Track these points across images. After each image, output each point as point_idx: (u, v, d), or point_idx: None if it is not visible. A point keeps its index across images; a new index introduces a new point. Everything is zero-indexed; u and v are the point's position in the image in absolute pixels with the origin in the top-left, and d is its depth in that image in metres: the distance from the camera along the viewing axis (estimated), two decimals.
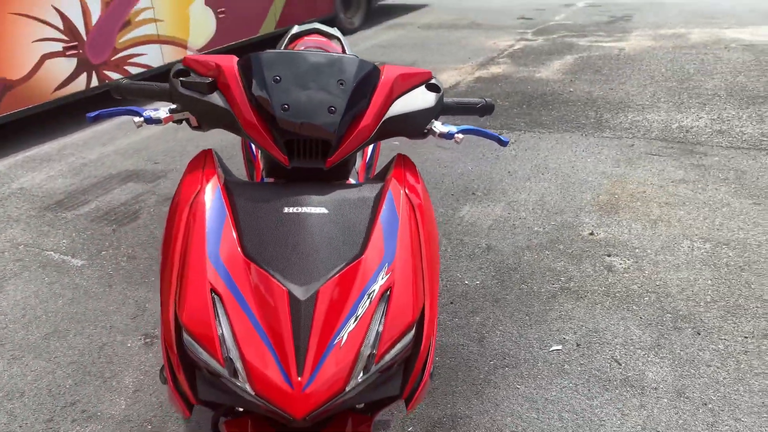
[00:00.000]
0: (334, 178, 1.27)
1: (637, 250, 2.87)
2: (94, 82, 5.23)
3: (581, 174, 3.71)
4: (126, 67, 5.50)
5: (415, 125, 1.29)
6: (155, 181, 3.97)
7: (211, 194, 1.13)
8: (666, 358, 2.19)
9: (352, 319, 1.00)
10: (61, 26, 4.87)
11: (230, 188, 1.16)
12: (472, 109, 1.37)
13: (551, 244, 2.95)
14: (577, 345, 2.28)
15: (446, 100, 1.35)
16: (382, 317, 1.02)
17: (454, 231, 3.13)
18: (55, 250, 3.16)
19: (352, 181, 1.51)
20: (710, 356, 2.18)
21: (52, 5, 4.76)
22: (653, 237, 2.97)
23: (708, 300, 2.48)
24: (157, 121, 1.22)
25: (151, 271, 2.92)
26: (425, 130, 1.32)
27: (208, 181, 1.15)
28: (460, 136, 1.28)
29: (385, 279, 1.05)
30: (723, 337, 2.27)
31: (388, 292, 1.04)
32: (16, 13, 4.53)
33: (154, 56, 5.77)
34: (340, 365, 0.97)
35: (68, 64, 4.98)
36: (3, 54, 4.49)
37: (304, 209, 1.11)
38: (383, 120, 1.24)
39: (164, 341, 1.08)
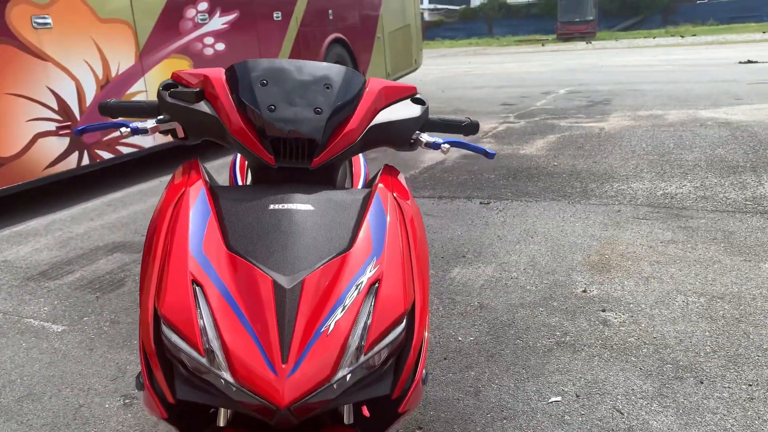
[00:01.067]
0: (320, 183, 1.25)
1: (631, 305, 2.82)
2: (86, 161, 5.29)
3: (570, 237, 3.72)
4: (118, 147, 5.58)
5: (401, 134, 1.30)
6: (141, 251, 3.92)
7: (195, 194, 1.11)
8: (669, 407, 2.10)
9: (340, 309, 0.96)
10: (55, 106, 4.98)
11: (215, 191, 1.15)
12: (457, 127, 1.38)
13: (545, 302, 2.91)
14: (577, 396, 2.19)
15: (431, 117, 1.37)
16: (370, 309, 0.98)
17: (446, 291, 3.08)
18: (35, 317, 3.06)
19: None
20: (715, 404, 2.10)
21: (47, 86, 4.89)
22: (647, 292, 2.94)
23: (708, 350, 2.42)
24: (144, 131, 1.22)
25: (134, 335, 2.82)
26: (412, 140, 1.32)
27: (192, 184, 1.14)
28: (447, 146, 1.29)
29: (373, 271, 1.02)
30: (727, 386, 2.20)
31: (377, 285, 1.01)
32: (12, 93, 4.64)
33: (146, 137, 5.87)
34: (327, 353, 0.92)
35: (60, 143, 5.06)
36: None
37: (290, 206, 1.09)
38: (369, 126, 1.25)
39: (142, 338, 1.02)
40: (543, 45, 29.30)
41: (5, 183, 4.66)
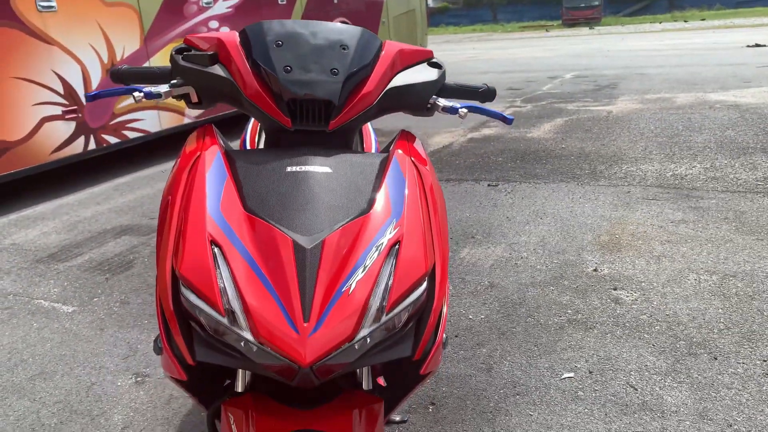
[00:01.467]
0: (336, 147, 1.23)
1: (643, 284, 2.80)
2: (92, 146, 5.28)
3: (580, 218, 3.69)
4: (124, 132, 5.57)
5: (418, 98, 1.28)
6: (150, 234, 3.92)
7: (210, 158, 1.09)
8: (684, 382, 2.09)
9: (360, 269, 0.95)
10: (61, 90, 4.96)
11: (231, 155, 1.13)
12: (474, 93, 1.36)
13: (555, 281, 2.89)
14: (590, 372, 2.18)
15: (447, 82, 1.35)
16: (391, 270, 0.97)
17: (455, 271, 3.07)
18: (46, 299, 3.06)
19: None
20: (730, 380, 2.09)
21: (52, 70, 4.87)
22: (658, 271, 2.92)
23: (721, 327, 2.41)
24: (158, 96, 1.20)
25: (144, 315, 2.82)
26: (429, 105, 1.30)
27: (208, 147, 1.12)
28: (464, 110, 1.27)
29: (393, 233, 1.00)
30: (741, 361, 2.18)
31: (397, 246, 0.99)
32: (17, 77, 4.62)
33: (152, 122, 5.86)
34: (349, 312, 0.91)
35: (66, 128, 5.05)
36: (2, 116, 4.54)
37: (308, 167, 1.07)
38: (386, 90, 1.23)
39: (159, 300, 1.01)
40: (547, 30, 29.08)
41: (12, 167, 4.65)
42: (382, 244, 0.98)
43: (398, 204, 1.04)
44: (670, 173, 4.48)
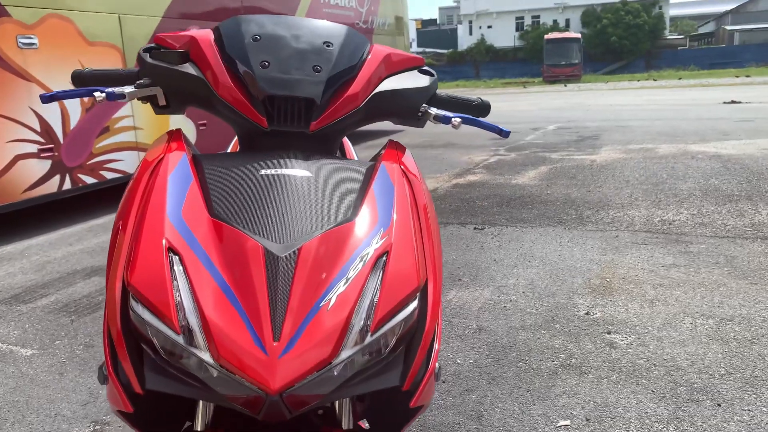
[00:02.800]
0: (317, 152, 1.11)
1: (637, 327, 2.68)
2: (67, 185, 5.13)
3: (569, 261, 3.59)
4: (101, 172, 5.43)
5: (408, 105, 1.17)
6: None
7: (175, 159, 0.97)
8: (687, 430, 1.95)
9: (342, 281, 0.81)
10: (38, 128, 4.85)
11: (198, 158, 1.01)
12: (467, 106, 1.26)
13: (546, 324, 2.76)
14: (587, 420, 2.03)
15: (439, 92, 1.25)
16: (377, 284, 0.84)
17: (442, 314, 2.92)
18: (3, 341, 2.86)
19: None
20: (737, 427, 1.95)
21: (30, 107, 4.76)
22: (653, 315, 2.80)
23: (722, 372, 2.28)
24: (120, 97, 1.08)
25: None
26: (420, 113, 1.20)
27: (173, 149, 1.00)
28: (458, 120, 1.16)
29: (380, 243, 0.88)
30: (746, 408, 2.05)
31: (385, 258, 0.87)
32: None
33: (131, 163, 5.74)
34: (327, 330, 0.78)
35: (42, 166, 4.91)
36: None
37: (285, 171, 0.95)
38: (374, 93, 1.12)
39: (107, 320, 0.87)
40: (525, 87, 29.72)
41: None
42: (368, 254, 0.86)
43: (386, 212, 0.92)
44: (658, 219, 4.42)
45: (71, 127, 5.11)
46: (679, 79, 27.81)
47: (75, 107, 5.14)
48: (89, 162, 5.30)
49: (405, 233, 0.91)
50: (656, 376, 2.27)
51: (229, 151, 1.86)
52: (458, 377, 2.35)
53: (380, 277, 0.85)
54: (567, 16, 48.15)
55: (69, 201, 5.96)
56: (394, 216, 0.92)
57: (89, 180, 5.32)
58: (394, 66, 1.17)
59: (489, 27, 50.88)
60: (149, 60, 1.10)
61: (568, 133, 9.89)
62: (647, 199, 5.02)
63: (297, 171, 0.95)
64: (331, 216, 0.89)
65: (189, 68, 1.08)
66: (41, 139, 4.87)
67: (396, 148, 1.13)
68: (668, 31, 45.89)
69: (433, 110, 1.19)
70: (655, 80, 27.92)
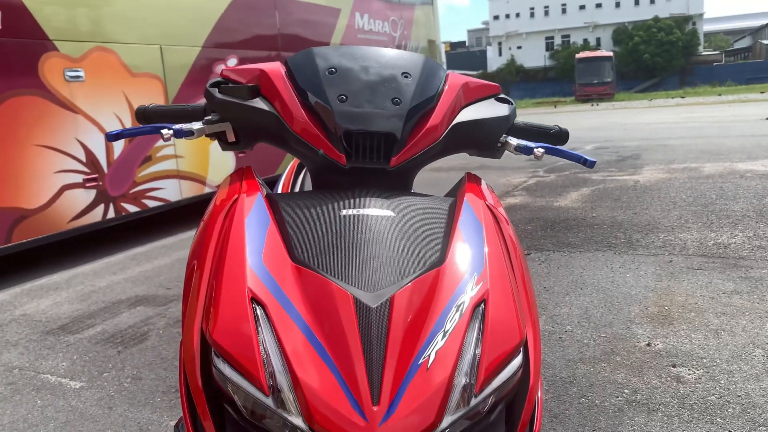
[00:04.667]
0: (396, 188, 1.05)
1: (704, 360, 2.54)
2: (111, 214, 5.19)
3: (623, 288, 3.46)
4: (144, 200, 5.49)
5: (487, 135, 1.11)
6: (166, 304, 3.73)
7: (250, 201, 0.92)
8: None
9: (440, 335, 0.74)
10: (83, 158, 4.92)
11: (273, 198, 0.95)
12: (545, 134, 1.19)
13: (606, 356, 2.64)
14: None
15: (516, 121, 1.19)
16: (478, 337, 0.76)
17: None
18: (53, 373, 2.85)
19: None
20: None
21: (76, 138, 4.85)
22: (719, 346, 2.65)
23: None
24: (189, 134, 1.04)
25: (158, 392, 2.59)
26: (499, 144, 1.13)
27: (245, 190, 0.95)
28: (541, 150, 1.09)
29: (476, 290, 0.80)
30: None
31: (482, 306, 0.79)
32: (41, 145, 4.59)
33: (173, 191, 5.79)
34: (429, 392, 0.70)
35: (87, 196, 4.97)
36: (23, 184, 4.48)
37: (366, 210, 0.89)
38: (453, 124, 1.06)
39: (183, 373, 0.81)
40: (555, 107, 29.47)
41: (29, 235, 4.54)
42: (464, 303, 0.79)
43: (478, 254, 0.85)
44: (712, 242, 4.25)
45: (115, 157, 5.19)
46: (719, 95, 27.27)
47: None
48: (132, 191, 5.36)
49: (501, 277, 0.84)
50: (732, 415, 2.13)
51: (284, 178, 1.82)
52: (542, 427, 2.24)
53: (480, 329, 0.78)
54: (597, 35, 47.90)
55: (112, 230, 6.03)
56: (487, 258, 0.85)
57: (132, 208, 5.37)
58: (471, 95, 1.12)
59: (519, 48, 50.90)
60: (218, 96, 1.06)
61: (608, 153, 9.71)
62: (698, 221, 4.84)
63: (379, 210, 0.90)
64: (419, 260, 0.83)
65: (260, 103, 1.04)
66: (86, 170, 4.95)
67: (475, 182, 1.06)
68: (702, 47, 45.23)
69: (514, 140, 1.12)
70: (683, 98, 27.47)
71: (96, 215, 5.05)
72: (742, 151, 8.70)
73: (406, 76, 1.02)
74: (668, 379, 2.41)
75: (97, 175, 5.04)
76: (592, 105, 28.52)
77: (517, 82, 46.37)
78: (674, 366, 2.51)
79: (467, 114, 1.09)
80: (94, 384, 2.71)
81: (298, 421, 0.70)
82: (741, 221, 4.75)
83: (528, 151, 1.10)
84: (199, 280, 0.85)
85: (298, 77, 1.03)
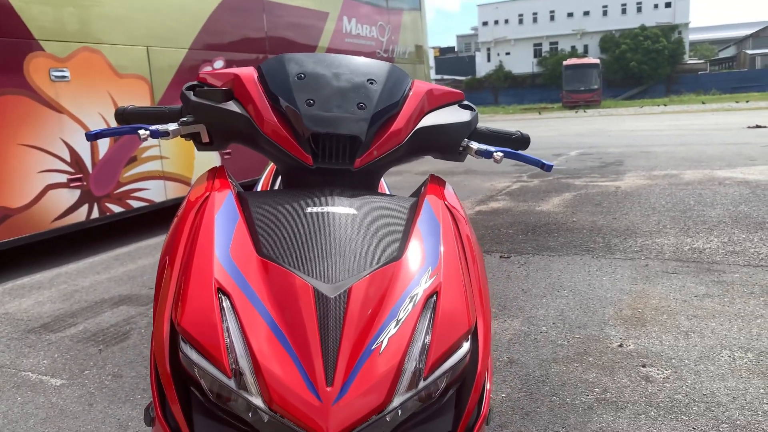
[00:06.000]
0: (360, 189, 1.10)
1: (673, 360, 2.61)
2: (95, 214, 5.20)
3: (599, 291, 3.53)
4: (129, 201, 5.50)
5: (449, 139, 1.17)
6: (149, 304, 3.76)
7: (221, 198, 0.97)
8: None
9: (393, 323, 0.80)
10: (68, 158, 4.93)
11: (243, 196, 1.01)
12: (507, 139, 1.25)
13: (579, 357, 2.70)
14: None
15: (479, 126, 1.24)
16: (429, 325, 0.82)
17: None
18: (33, 371, 2.87)
19: None
20: None
21: (61, 138, 4.86)
22: (688, 347, 2.73)
23: (766, 409, 2.20)
24: (165, 134, 1.09)
25: (138, 389, 2.62)
26: (461, 148, 1.19)
27: (217, 188, 1.00)
28: (500, 154, 1.15)
29: (429, 282, 0.86)
30: None
31: (435, 298, 0.85)
32: (25, 144, 4.60)
33: (158, 191, 5.81)
34: (380, 375, 0.76)
35: (71, 195, 4.98)
36: (6, 183, 4.48)
37: (330, 208, 0.95)
38: (416, 129, 1.12)
39: (154, 360, 0.86)
40: (540, 113, 29.68)
41: (12, 234, 4.55)
42: (417, 294, 0.84)
43: (433, 250, 0.91)
44: (688, 247, 4.34)
45: (100, 157, 5.20)
46: (703, 103, 27.63)
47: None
48: (116, 191, 5.37)
49: (454, 272, 0.90)
50: (696, 413, 2.20)
51: (262, 179, 1.87)
52: (491, 411, 2.30)
53: (431, 318, 0.83)
54: (585, 42, 48.34)
55: (96, 230, 6.04)
56: (442, 254, 0.91)
57: (116, 209, 5.39)
58: (435, 101, 1.17)
59: (507, 54, 51.23)
60: (193, 98, 1.11)
61: (591, 159, 9.83)
62: (675, 227, 4.94)
63: (342, 209, 0.95)
64: (378, 255, 0.89)
65: (233, 106, 1.09)
66: (71, 170, 4.96)
67: (438, 183, 1.12)
68: (688, 56, 45.79)
69: (475, 145, 1.18)
70: (665, 105, 27.85)
71: (80, 215, 5.06)
72: (722, 158, 8.85)
73: (371, 83, 1.08)
74: (637, 378, 2.48)
75: (81, 175, 5.05)
76: (576, 111, 28.76)
77: (505, 88, 46.67)
78: (644, 366, 2.58)
79: (430, 119, 1.15)
80: (74, 381, 2.74)
81: (258, 401, 0.75)
82: (717, 227, 4.85)
83: (488, 155, 1.16)
84: (170, 273, 0.90)
85: (269, 82, 1.08)
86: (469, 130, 1.19)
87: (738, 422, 2.12)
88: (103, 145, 5.23)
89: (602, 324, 3.05)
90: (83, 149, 5.05)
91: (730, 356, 2.62)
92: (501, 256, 4.39)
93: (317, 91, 1.05)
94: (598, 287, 3.60)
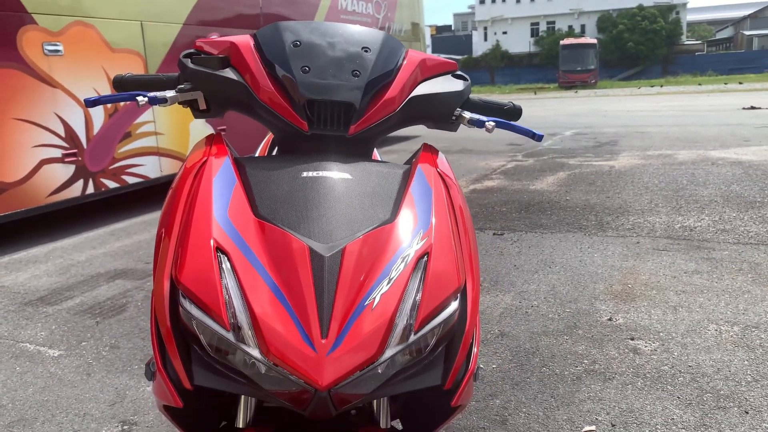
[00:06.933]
0: (355, 155, 1.13)
1: (661, 334, 2.67)
2: (90, 189, 5.21)
3: (590, 267, 3.58)
4: (123, 176, 5.50)
5: (442, 108, 1.19)
6: (145, 278, 3.79)
7: (219, 162, 0.99)
8: None
9: (385, 281, 0.84)
10: (62, 133, 4.92)
11: (240, 161, 1.03)
12: (499, 110, 1.27)
13: (569, 330, 2.75)
14: (612, 425, 2.02)
15: (472, 97, 1.27)
16: (419, 284, 0.86)
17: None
18: (31, 342, 2.91)
19: None
20: None
21: (55, 113, 4.84)
22: (676, 321, 2.78)
23: (749, 380, 2.26)
24: (162, 101, 1.11)
25: (135, 360, 2.66)
26: (453, 117, 1.22)
27: (214, 153, 1.03)
28: (492, 124, 1.18)
29: (421, 244, 0.90)
30: None
31: (425, 259, 0.88)
32: (19, 119, 4.58)
33: (153, 167, 5.81)
34: (373, 329, 0.80)
35: (65, 171, 4.98)
36: (1, 158, 4.48)
37: (325, 173, 0.97)
38: (410, 97, 1.14)
39: (154, 316, 0.89)
40: (535, 93, 29.57)
41: (7, 209, 4.56)
42: (409, 255, 0.88)
43: (425, 214, 0.94)
44: (679, 225, 4.39)
45: (94, 133, 5.19)
46: (699, 84, 27.58)
47: (98, 112, 5.22)
48: (111, 167, 5.37)
49: (444, 235, 0.93)
50: (682, 383, 2.26)
51: (258, 152, 1.89)
52: (482, 382, 2.35)
53: (422, 277, 0.87)
54: (582, 22, 48.02)
55: (92, 205, 6.05)
56: (433, 218, 0.94)
57: (111, 184, 5.39)
58: (428, 71, 1.19)
59: (504, 33, 50.87)
60: (190, 65, 1.13)
61: (586, 139, 9.85)
62: (668, 206, 4.99)
63: (337, 173, 0.98)
64: (371, 217, 0.91)
65: (230, 73, 1.11)
66: (65, 144, 4.95)
67: (431, 152, 1.15)
68: (685, 37, 45.58)
69: (467, 114, 1.21)
70: (661, 86, 27.80)
71: (75, 190, 5.06)
72: (717, 139, 8.88)
73: (366, 51, 1.10)
74: (625, 350, 2.54)
75: (76, 150, 5.04)
76: (576, 92, 28.69)
77: (501, 67, 46.42)
78: (632, 339, 2.64)
79: (424, 88, 1.17)
80: (72, 352, 2.77)
81: (255, 352, 0.79)
82: (708, 206, 4.90)
83: (480, 124, 1.18)
84: (170, 233, 0.93)
85: (265, 49, 1.10)
86: (462, 99, 1.22)
87: (722, 392, 2.18)
88: (98, 120, 5.22)
89: (593, 299, 3.10)
90: (78, 124, 5.04)
91: (716, 330, 2.68)
92: (494, 233, 4.43)
93: (313, 58, 1.07)
94: (589, 263, 3.65)
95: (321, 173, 0.97)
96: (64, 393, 2.40)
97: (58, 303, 3.42)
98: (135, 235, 4.94)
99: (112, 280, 3.78)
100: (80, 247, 4.61)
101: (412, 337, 0.83)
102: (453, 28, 64.89)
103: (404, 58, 1.16)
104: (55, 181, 4.89)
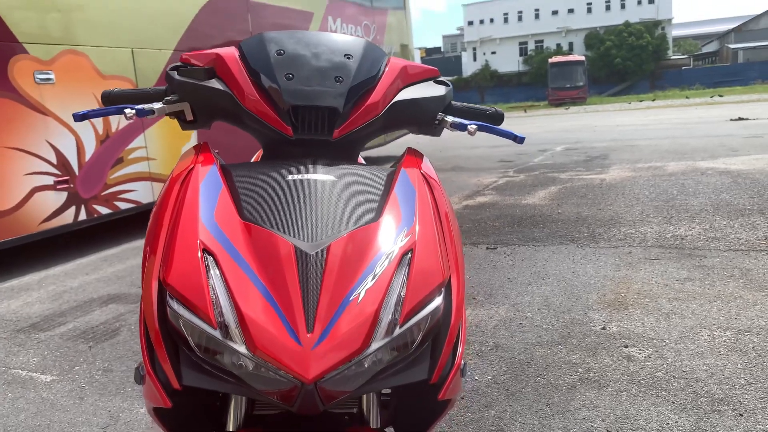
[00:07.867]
0: (340, 159, 1.15)
1: (654, 341, 2.67)
2: (83, 216, 5.21)
3: (583, 278, 3.59)
4: (116, 202, 5.51)
5: (425, 113, 1.21)
6: (138, 302, 3.77)
7: (205, 170, 1.01)
8: None
9: (370, 277, 0.85)
10: (54, 161, 4.94)
11: (227, 168, 1.05)
12: (481, 115, 1.29)
13: (563, 340, 2.76)
14: None
15: (455, 102, 1.29)
16: (404, 280, 0.87)
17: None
18: (23, 368, 2.89)
19: None
20: None
21: (47, 140, 4.86)
22: (669, 328, 2.79)
23: (743, 383, 2.26)
24: (150, 113, 1.13)
25: (128, 382, 2.64)
26: (436, 122, 1.24)
27: (201, 161, 1.04)
28: (474, 127, 1.20)
29: (405, 241, 0.91)
30: None
31: (410, 255, 0.90)
32: (11, 147, 4.60)
33: (145, 193, 5.82)
34: (357, 323, 0.81)
35: (57, 198, 4.98)
36: None
37: (311, 176, 0.99)
38: (393, 102, 1.16)
39: (143, 318, 0.90)
40: (525, 111, 29.82)
41: (0, 237, 4.54)
42: (393, 252, 0.89)
43: (409, 213, 0.96)
44: (670, 234, 4.42)
45: (86, 159, 5.21)
46: (687, 98, 27.90)
47: (90, 139, 5.24)
48: (104, 193, 5.38)
49: (428, 232, 0.95)
50: (676, 388, 2.26)
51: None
52: (477, 393, 2.34)
53: (406, 273, 0.88)
54: (570, 40, 48.62)
55: (84, 232, 6.04)
56: (417, 217, 0.96)
57: (104, 210, 5.39)
58: (411, 77, 1.22)
59: (493, 53, 51.42)
60: (177, 77, 1.15)
61: (577, 154, 9.93)
62: (659, 216, 5.02)
63: (322, 176, 1.00)
64: (356, 217, 0.93)
65: (216, 83, 1.13)
66: (57, 171, 4.96)
67: (415, 155, 1.17)
68: (672, 52, 46.18)
69: (450, 118, 1.23)
70: (653, 101, 28.10)
71: (67, 217, 5.06)
72: (705, 150, 8.97)
73: (348, 58, 1.13)
74: (620, 358, 2.54)
75: (68, 177, 5.05)
76: (567, 108, 28.93)
77: (491, 87, 46.86)
78: (626, 346, 2.64)
79: (406, 93, 1.19)
80: (65, 377, 2.76)
81: (242, 348, 0.80)
82: (699, 215, 4.93)
83: (462, 127, 1.20)
84: (157, 237, 0.94)
85: (250, 59, 1.12)
86: (444, 104, 1.24)
87: (716, 396, 2.18)
88: (90, 146, 5.24)
89: (586, 309, 3.11)
90: (69, 151, 5.06)
91: (709, 335, 2.69)
92: (487, 248, 4.44)
93: (296, 66, 1.09)
94: (582, 274, 3.66)
95: (306, 176, 0.99)
96: (56, 417, 2.38)
97: (51, 329, 3.40)
98: (128, 260, 4.93)
99: (105, 305, 3.76)
100: (73, 274, 4.59)
101: (397, 331, 0.84)
102: (442, 49, 65.58)
103: (387, 65, 1.19)
104: (48, 208, 4.89)
